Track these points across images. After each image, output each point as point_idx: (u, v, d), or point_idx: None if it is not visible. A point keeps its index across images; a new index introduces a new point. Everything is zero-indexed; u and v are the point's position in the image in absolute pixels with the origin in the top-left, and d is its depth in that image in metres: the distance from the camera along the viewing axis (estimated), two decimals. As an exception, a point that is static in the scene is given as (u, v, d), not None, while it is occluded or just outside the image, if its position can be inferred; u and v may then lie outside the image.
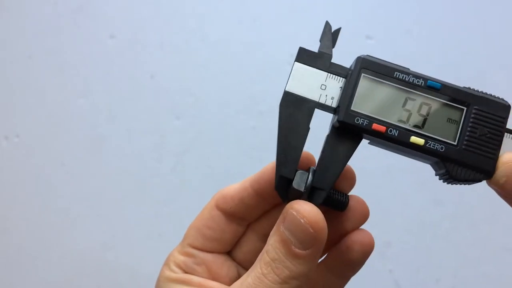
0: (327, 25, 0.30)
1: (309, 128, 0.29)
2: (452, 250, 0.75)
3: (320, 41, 0.30)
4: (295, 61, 0.29)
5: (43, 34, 0.86)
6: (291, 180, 0.28)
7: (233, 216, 0.32)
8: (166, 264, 0.33)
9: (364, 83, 0.28)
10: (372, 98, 0.28)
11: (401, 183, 0.76)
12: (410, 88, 0.28)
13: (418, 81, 0.29)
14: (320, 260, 0.32)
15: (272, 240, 0.28)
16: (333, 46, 0.30)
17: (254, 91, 0.80)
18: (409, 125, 0.28)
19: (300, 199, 0.28)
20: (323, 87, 0.29)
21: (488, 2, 0.81)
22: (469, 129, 0.28)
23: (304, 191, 0.28)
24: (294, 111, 0.29)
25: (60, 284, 0.81)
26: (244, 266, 0.33)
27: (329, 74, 0.29)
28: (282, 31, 0.82)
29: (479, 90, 0.29)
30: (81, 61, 0.85)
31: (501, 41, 0.80)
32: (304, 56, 0.30)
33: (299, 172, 0.29)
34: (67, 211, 0.82)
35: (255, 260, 0.28)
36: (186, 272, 0.32)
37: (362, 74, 0.28)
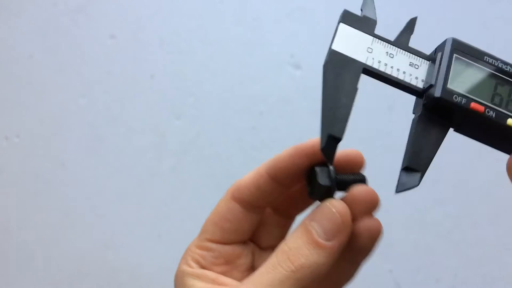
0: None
1: (357, 88, 0.28)
2: (452, 250, 0.75)
3: (361, 8, 0.30)
4: (340, 22, 0.29)
5: (43, 34, 0.86)
6: (339, 140, 0.27)
7: (250, 205, 0.32)
8: (184, 258, 0.33)
9: (457, 63, 0.28)
10: (465, 79, 0.28)
11: None
12: (500, 73, 0.28)
13: (506, 67, 0.28)
14: None
15: (294, 231, 0.28)
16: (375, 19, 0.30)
17: (254, 91, 0.80)
18: (506, 108, 0.27)
19: (329, 195, 0.28)
20: (369, 50, 0.29)
21: (488, 2, 0.81)
22: None
23: (331, 185, 0.28)
24: (341, 71, 0.27)
25: (60, 284, 0.81)
26: (262, 245, 0.33)
27: (374, 38, 0.29)
28: (282, 31, 0.82)
29: None
30: (81, 61, 0.85)
31: (501, 41, 0.80)
32: (349, 18, 0.29)
33: (318, 169, 0.28)
34: (67, 211, 0.82)
35: (274, 239, 0.29)
36: (203, 266, 0.32)
37: (455, 55, 0.28)
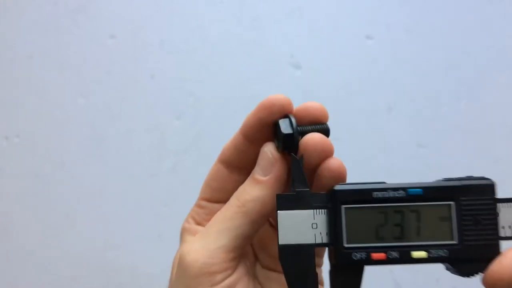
0: (293, 159, 0.29)
1: (316, 274, 0.28)
2: (452, 250, 0.75)
3: (293, 179, 0.29)
4: (277, 210, 0.29)
5: (43, 34, 0.86)
6: None
7: (231, 166, 0.35)
8: (186, 218, 0.37)
9: (348, 215, 0.28)
10: (360, 227, 0.28)
11: (402, 182, 0.76)
12: (394, 202, 0.28)
13: (398, 193, 0.29)
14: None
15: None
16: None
17: (254, 91, 0.80)
18: (406, 239, 0.28)
19: (292, 143, 0.30)
20: (314, 225, 0.28)
21: (488, 2, 0.81)
22: (463, 222, 0.27)
23: (294, 132, 0.30)
24: (296, 261, 0.28)
25: (60, 284, 0.81)
26: None
27: (315, 210, 0.28)
28: (282, 31, 0.82)
29: (459, 177, 0.29)
30: (81, 61, 0.85)
31: (501, 41, 0.80)
32: (284, 202, 0.29)
33: (281, 120, 0.31)
34: (67, 211, 0.82)
35: None
36: (198, 222, 0.35)
37: (343, 207, 0.28)
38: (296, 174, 0.29)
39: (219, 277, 0.29)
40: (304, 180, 0.29)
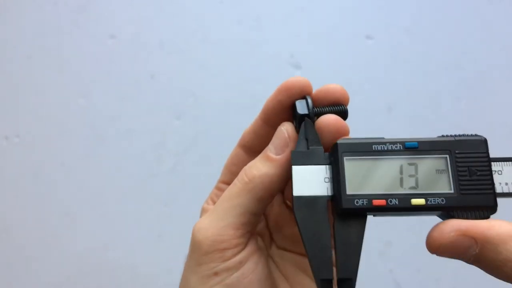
0: (307, 122, 0.31)
1: (329, 224, 0.29)
2: (452, 250, 0.75)
3: (306, 138, 0.31)
4: (292, 165, 0.30)
5: (43, 34, 0.86)
6: (331, 280, 0.29)
7: (251, 150, 0.36)
8: (206, 200, 0.37)
9: (349, 166, 0.29)
10: (362, 176, 0.29)
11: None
12: (392, 155, 0.29)
13: (396, 147, 0.30)
14: None
15: None
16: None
17: (254, 91, 0.80)
18: (405, 189, 0.29)
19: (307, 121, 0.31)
20: (326, 180, 0.30)
21: (488, 2, 0.81)
22: (459, 173, 0.29)
23: (310, 112, 0.31)
24: (311, 213, 0.29)
25: (60, 284, 0.81)
26: None
27: (327, 166, 0.30)
28: (282, 31, 0.82)
29: (453, 134, 0.30)
30: (81, 61, 0.85)
31: (501, 41, 0.80)
32: (298, 158, 0.30)
33: (297, 101, 0.31)
34: (67, 211, 0.82)
35: None
36: None
37: (344, 158, 0.29)
38: (310, 134, 0.31)
39: (229, 253, 0.29)
40: (318, 139, 0.31)
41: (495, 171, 0.29)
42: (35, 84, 0.86)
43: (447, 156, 0.29)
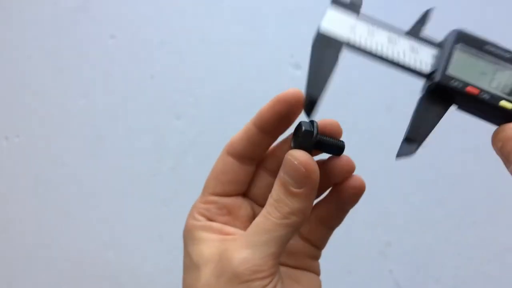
0: None
1: (338, 59, 0.32)
2: (453, 250, 0.75)
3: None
4: (331, 3, 0.33)
5: (43, 34, 0.86)
6: (316, 100, 0.32)
7: (243, 157, 0.36)
8: (190, 214, 0.37)
9: (458, 52, 0.32)
10: (465, 66, 0.31)
11: (402, 182, 0.76)
12: (500, 59, 0.32)
13: (506, 54, 0.32)
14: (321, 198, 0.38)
15: (275, 185, 0.32)
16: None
17: (254, 91, 0.80)
18: (501, 92, 0.31)
19: (310, 142, 0.32)
20: (352, 29, 0.33)
21: (488, 2, 0.81)
22: None
23: (315, 133, 0.32)
24: (326, 48, 0.32)
25: (60, 284, 0.81)
26: (259, 202, 0.38)
27: (358, 18, 0.33)
28: (282, 31, 0.82)
29: None
30: (81, 61, 0.85)
31: (501, 41, 0.80)
32: (337, 2, 0.33)
33: (303, 122, 0.33)
34: (67, 211, 0.82)
35: (268, 195, 0.33)
36: (209, 219, 0.36)
37: (458, 44, 0.32)
38: None
39: (267, 280, 0.31)
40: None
41: None
42: (35, 84, 0.86)
43: None
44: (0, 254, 0.83)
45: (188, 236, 0.36)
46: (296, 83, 0.81)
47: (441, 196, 0.76)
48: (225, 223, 0.36)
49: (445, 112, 0.31)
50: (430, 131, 0.31)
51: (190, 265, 0.34)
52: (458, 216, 0.76)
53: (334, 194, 0.37)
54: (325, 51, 0.33)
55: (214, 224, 0.35)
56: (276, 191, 0.32)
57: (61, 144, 0.84)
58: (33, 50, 0.86)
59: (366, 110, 0.77)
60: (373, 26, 0.34)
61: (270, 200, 0.32)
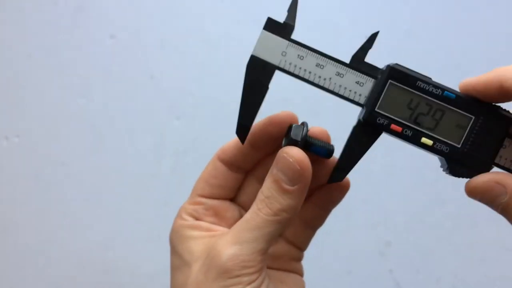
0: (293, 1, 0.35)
1: (268, 87, 0.34)
2: (452, 250, 0.75)
3: (287, 11, 0.35)
4: (262, 29, 0.35)
5: (43, 34, 0.86)
6: (249, 128, 0.34)
7: (233, 165, 0.37)
8: (178, 215, 0.38)
9: (390, 89, 0.33)
10: (394, 101, 0.33)
11: (402, 182, 0.76)
12: (429, 96, 0.33)
13: (436, 91, 0.33)
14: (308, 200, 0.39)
15: (266, 182, 0.33)
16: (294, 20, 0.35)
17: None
18: (423, 127, 0.33)
19: (300, 140, 0.34)
20: (283, 53, 0.34)
21: (487, 2, 0.81)
22: (473, 135, 0.33)
23: (300, 141, 0.33)
24: (257, 73, 0.34)
25: (60, 284, 0.81)
26: (247, 208, 0.38)
27: (289, 42, 0.34)
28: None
29: (493, 104, 0.33)
30: (81, 61, 0.85)
31: (501, 41, 0.80)
32: (270, 25, 0.35)
33: (294, 125, 0.34)
34: (67, 211, 0.82)
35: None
36: (196, 219, 0.37)
37: (389, 81, 0.33)
38: (291, 10, 0.35)
39: (255, 276, 0.32)
40: (294, 16, 0.35)
41: (503, 144, 0.33)
42: (35, 84, 0.86)
43: (473, 117, 0.33)
44: (0, 254, 0.83)
45: (176, 236, 0.36)
46: (296, 83, 0.81)
47: (441, 196, 0.76)
48: (212, 223, 0.37)
49: (373, 142, 0.34)
50: (358, 160, 0.34)
51: (180, 264, 0.35)
52: (458, 216, 0.76)
53: (319, 194, 0.38)
54: (258, 74, 0.34)
55: (202, 223, 0.36)
56: (268, 188, 0.33)
57: (61, 144, 0.84)
58: (33, 50, 0.86)
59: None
60: (304, 50, 0.35)
61: (260, 196, 0.33)
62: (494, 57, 0.80)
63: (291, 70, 0.34)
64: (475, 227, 0.75)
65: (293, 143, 0.33)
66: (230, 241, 0.32)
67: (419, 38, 0.81)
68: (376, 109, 0.33)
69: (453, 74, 0.82)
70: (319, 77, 0.34)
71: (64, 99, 0.85)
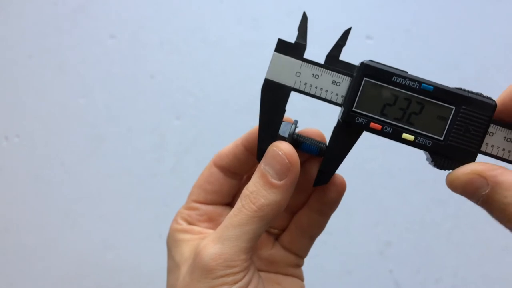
0: (304, 16, 0.34)
1: (285, 110, 0.33)
2: (452, 250, 0.75)
3: (298, 30, 0.34)
4: (274, 51, 0.34)
5: (43, 34, 0.86)
6: (265, 150, 0.33)
7: (229, 171, 0.37)
8: (174, 219, 0.38)
9: (366, 87, 0.32)
10: (372, 99, 0.32)
11: (402, 182, 0.76)
12: (406, 90, 0.32)
13: (413, 84, 0.32)
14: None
15: (253, 177, 0.32)
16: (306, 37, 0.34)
17: (254, 91, 0.80)
18: (403, 122, 0.32)
19: (288, 136, 0.33)
20: (298, 74, 0.34)
21: (487, 2, 0.81)
22: (455, 126, 0.32)
23: (288, 137, 0.33)
24: (273, 96, 0.34)
25: (60, 284, 0.81)
26: None
27: (303, 62, 0.34)
28: (282, 31, 0.82)
29: (470, 90, 0.33)
30: (81, 61, 0.85)
31: (501, 41, 0.80)
32: (282, 47, 0.34)
33: (284, 123, 0.34)
34: (67, 211, 0.82)
35: None
36: (190, 223, 0.37)
37: (364, 79, 0.32)
38: (302, 28, 0.34)
39: (240, 275, 0.31)
40: (305, 35, 0.34)
41: (489, 132, 0.32)
42: (35, 84, 0.86)
43: (454, 108, 0.32)
44: (0, 254, 0.83)
45: (171, 240, 0.37)
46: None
47: (441, 196, 0.76)
48: (206, 228, 0.37)
49: (355, 142, 0.33)
50: (341, 161, 0.33)
51: (173, 267, 0.35)
52: (458, 216, 0.76)
53: (314, 198, 0.37)
54: (273, 98, 0.34)
55: (195, 228, 0.36)
56: (253, 183, 0.32)
57: (61, 144, 0.84)
58: (33, 50, 0.86)
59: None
60: (318, 69, 0.34)
61: (245, 192, 0.32)
62: (495, 56, 0.80)
63: (307, 90, 0.33)
64: (475, 227, 0.75)
65: (281, 139, 0.33)
66: (212, 240, 0.32)
67: (419, 38, 0.81)
68: (353, 109, 0.32)
69: (453, 74, 0.83)
70: (336, 94, 0.33)
71: (64, 99, 0.85)
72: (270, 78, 0.34)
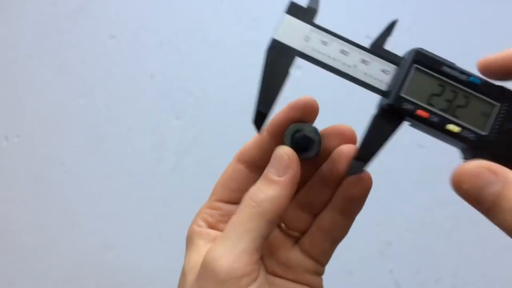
0: None
1: (289, 73, 0.33)
2: (452, 250, 0.75)
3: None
4: (285, 12, 0.33)
5: (43, 34, 0.86)
6: (265, 115, 0.33)
7: (254, 165, 0.36)
8: (195, 219, 0.36)
9: (414, 74, 0.32)
10: (419, 87, 0.32)
11: (402, 182, 0.76)
12: (454, 81, 0.32)
13: (461, 76, 0.32)
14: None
15: (257, 181, 0.32)
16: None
17: (254, 91, 0.80)
18: (449, 113, 0.32)
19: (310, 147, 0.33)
20: (306, 39, 0.33)
21: (487, 2, 0.81)
22: (498, 123, 0.31)
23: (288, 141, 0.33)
24: (278, 57, 0.33)
25: (60, 284, 0.81)
26: None
27: (312, 27, 0.33)
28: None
29: None
30: (81, 61, 0.85)
31: (501, 41, 0.80)
32: (293, 9, 0.34)
33: (305, 125, 0.34)
34: (67, 211, 0.82)
35: None
36: (210, 225, 0.35)
37: (414, 65, 0.32)
38: None
39: (245, 280, 0.29)
40: (317, 1, 0.34)
41: None
42: (35, 84, 0.86)
43: (499, 105, 0.32)
44: (0, 254, 0.83)
45: (188, 242, 0.35)
46: (296, 84, 0.81)
47: (441, 196, 0.76)
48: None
49: (395, 131, 0.32)
50: (378, 149, 0.33)
51: (182, 271, 0.34)
52: (458, 216, 0.76)
53: (337, 197, 0.35)
54: (278, 60, 0.33)
55: (212, 232, 0.35)
56: (256, 184, 0.32)
57: (61, 144, 0.84)
58: (33, 50, 0.86)
59: (367, 110, 0.77)
60: (327, 36, 0.33)
61: (247, 193, 0.32)
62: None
63: (314, 56, 0.33)
64: (475, 227, 0.75)
65: (308, 141, 0.33)
66: (217, 243, 0.31)
67: (419, 38, 0.81)
68: (401, 94, 0.32)
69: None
70: (343, 63, 0.33)
71: (64, 99, 0.85)
72: (277, 38, 0.33)
